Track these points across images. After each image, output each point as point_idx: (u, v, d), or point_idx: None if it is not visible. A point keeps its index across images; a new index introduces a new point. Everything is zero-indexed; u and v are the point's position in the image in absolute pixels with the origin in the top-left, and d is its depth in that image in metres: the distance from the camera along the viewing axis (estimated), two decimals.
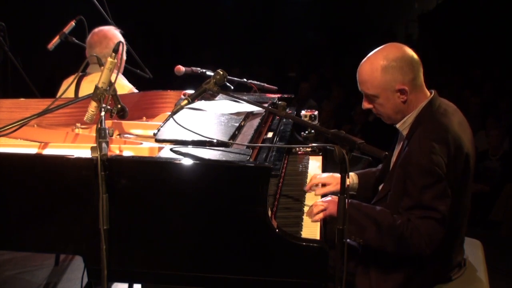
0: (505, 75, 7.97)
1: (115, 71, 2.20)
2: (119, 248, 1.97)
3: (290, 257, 1.94)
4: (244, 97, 2.47)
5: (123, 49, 2.92)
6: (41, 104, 2.53)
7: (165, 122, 2.38)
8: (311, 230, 2.17)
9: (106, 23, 3.56)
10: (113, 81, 2.15)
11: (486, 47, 9.24)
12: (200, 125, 2.33)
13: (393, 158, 2.42)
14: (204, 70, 3.14)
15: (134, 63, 3.68)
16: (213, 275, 1.98)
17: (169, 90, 3.21)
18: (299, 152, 3.07)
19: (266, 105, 2.69)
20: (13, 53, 4.03)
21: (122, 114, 2.29)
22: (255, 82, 3.40)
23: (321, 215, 2.24)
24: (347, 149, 1.86)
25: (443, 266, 2.34)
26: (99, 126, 1.94)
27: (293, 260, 1.94)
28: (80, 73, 3.21)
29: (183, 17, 10.37)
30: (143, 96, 3.12)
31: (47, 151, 2.33)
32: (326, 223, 2.32)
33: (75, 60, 2.98)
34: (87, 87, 3.21)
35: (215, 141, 2.18)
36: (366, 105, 2.35)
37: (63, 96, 2.53)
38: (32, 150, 2.34)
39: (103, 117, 2.01)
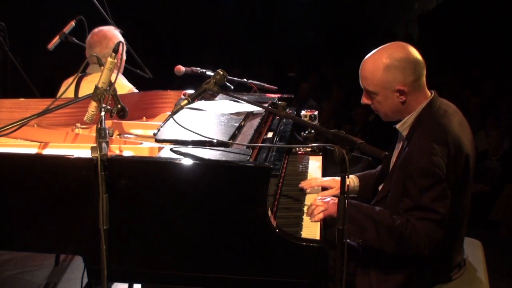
0: (505, 75, 7.97)
1: (115, 71, 2.20)
2: (119, 248, 1.97)
3: (290, 257, 1.94)
4: (244, 97, 2.47)
5: (123, 49, 2.91)
6: (41, 104, 2.53)
7: (165, 122, 2.38)
8: (311, 230, 2.17)
9: (106, 23, 3.56)
10: (113, 81, 2.15)
11: (486, 47, 9.24)
12: (200, 125, 2.33)
13: (393, 159, 2.42)
14: (204, 70, 3.14)
15: (134, 63, 3.68)
16: (213, 275, 1.98)
17: (169, 90, 3.21)
18: (299, 152, 3.07)
19: (266, 105, 2.69)
20: (13, 53, 4.04)
21: (122, 114, 2.29)
22: (255, 82, 3.40)
23: (321, 215, 2.24)
24: (347, 149, 1.86)
25: (443, 266, 2.34)
26: (99, 126, 1.94)
27: (293, 260, 1.94)
28: (80, 74, 3.21)
29: (183, 17, 10.37)
30: (143, 96, 3.12)
31: (47, 151, 2.33)
32: (326, 224, 2.31)
33: (75, 60, 2.98)
34: (87, 87, 3.21)
35: (215, 141, 2.18)
36: (365, 100, 2.36)
37: (63, 96, 2.53)
38: (32, 150, 2.34)
39: (103, 117, 2.01)
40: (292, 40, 11.16)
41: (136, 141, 2.42)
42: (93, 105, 2.15)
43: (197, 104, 2.68)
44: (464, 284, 2.36)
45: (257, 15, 11.83)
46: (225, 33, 10.76)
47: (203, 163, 1.99)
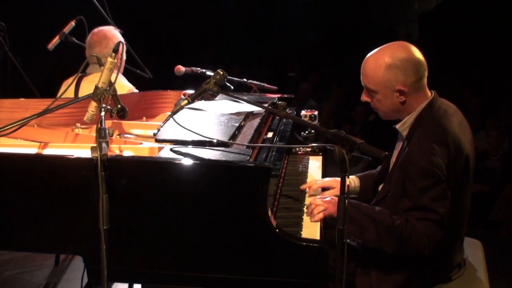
0: (505, 75, 7.97)
1: (115, 71, 2.20)
2: (119, 248, 1.97)
3: (290, 257, 1.94)
4: (244, 97, 2.47)
5: (123, 49, 2.91)
6: (41, 104, 2.53)
7: (165, 122, 2.38)
8: (311, 230, 2.17)
9: (106, 23, 3.56)
10: (113, 81, 2.15)
11: (486, 47, 9.24)
12: (200, 125, 2.33)
13: (393, 159, 2.42)
14: (204, 70, 3.14)
15: (134, 63, 3.68)
16: (213, 275, 1.98)
17: (169, 90, 3.21)
18: (299, 152, 3.07)
19: (266, 105, 2.69)
20: (13, 53, 4.04)
21: (122, 114, 2.29)
22: (255, 82, 3.40)
23: (321, 215, 2.24)
24: (347, 149, 1.86)
25: (443, 266, 2.34)
26: (99, 126, 1.94)
27: (293, 260, 1.94)
28: (80, 74, 3.21)
29: (183, 17, 10.37)
30: (143, 96, 3.12)
31: (47, 151, 2.33)
32: (326, 224, 2.31)
33: (75, 60, 2.98)
34: (87, 87, 3.21)
35: (215, 141, 2.18)
36: (364, 97, 2.36)
37: (63, 97, 2.53)
38: (32, 150, 2.34)
39: (103, 117, 2.01)
40: (292, 40, 11.17)
41: (136, 141, 2.42)
42: (93, 105, 2.15)
43: (197, 104, 2.68)
44: (464, 284, 2.36)
45: (257, 15, 11.83)
46: (225, 33, 10.76)
47: (203, 163, 1.99)
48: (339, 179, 1.88)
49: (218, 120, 2.46)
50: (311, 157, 3.03)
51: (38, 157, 2.18)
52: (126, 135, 2.65)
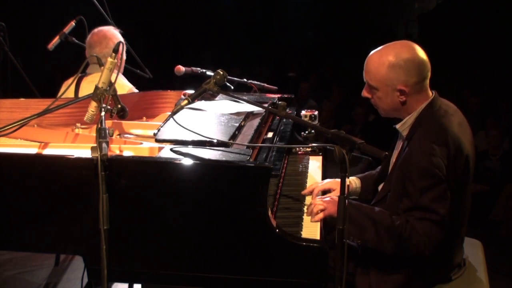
0: (505, 75, 7.98)
1: (115, 71, 2.20)
2: (119, 248, 1.97)
3: (290, 257, 1.94)
4: (244, 97, 2.47)
5: (123, 49, 2.91)
6: (41, 104, 2.53)
7: (165, 122, 2.38)
8: (311, 230, 2.17)
9: (106, 23, 3.56)
10: (113, 81, 2.15)
11: (486, 47, 9.24)
12: (200, 125, 2.33)
13: (393, 159, 2.41)
14: (204, 70, 3.14)
15: (134, 63, 3.68)
16: (213, 275, 1.98)
17: (169, 90, 3.21)
18: (299, 152, 3.07)
19: (266, 105, 2.69)
20: (13, 53, 4.03)
21: (122, 114, 2.29)
22: (255, 82, 3.40)
23: (321, 215, 2.23)
24: (347, 149, 1.86)
25: (443, 266, 2.34)
26: (99, 126, 1.94)
27: (293, 260, 1.94)
28: (80, 74, 3.21)
29: (183, 17, 10.38)
30: (143, 96, 3.12)
31: (47, 151, 2.33)
32: (326, 224, 2.31)
33: (75, 60, 2.98)
34: (87, 87, 3.21)
35: (215, 141, 2.18)
36: (365, 93, 2.36)
37: (63, 97, 2.53)
38: (32, 150, 2.34)
39: (103, 117, 2.01)
40: (292, 40, 11.17)
41: (136, 141, 2.42)
42: (93, 105, 2.15)
43: (197, 104, 2.68)
44: (464, 284, 2.36)
45: (257, 15, 11.84)
46: (225, 33, 10.76)
47: (203, 163, 1.99)
48: (339, 180, 1.88)
49: (218, 120, 2.46)
50: (311, 157, 3.03)
51: (38, 157, 2.18)
52: (126, 135, 2.65)
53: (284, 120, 3.00)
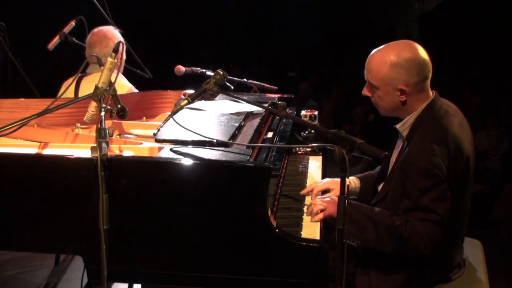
0: (505, 75, 7.98)
1: (115, 71, 2.20)
2: (119, 248, 1.97)
3: (290, 257, 1.94)
4: (244, 97, 2.47)
5: (123, 49, 2.91)
6: (41, 104, 2.53)
7: (165, 122, 2.38)
8: (311, 230, 2.17)
9: (106, 23, 3.56)
10: (113, 81, 2.15)
11: (486, 47, 9.24)
12: (200, 125, 2.33)
13: (393, 159, 2.41)
14: (204, 70, 3.14)
15: (134, 63, 3.68)
16: (213, 275, 1.98)
17: (169, 90, 3.21)
18: (299, 152, 3.07)
19: (266, 105, 2.69)
20: (13, 53, 4.03)
21: (122, 114, 2.29)
22: (255, 82, 3.40)
23: (320, 215, 2.23)
24: (347, 149, 1.86)
25: (443, 266, 2.34)
26: (99, 126, 1.94)
27: (293, 260, 1.94)
28: (80, 74, 3.21)
29: (183, 17, 10.38)
30: (143, 96, 3.12)
31: (47, 151, 2.33)
32: (326, 224, 2.31)
33: (75, 60, 2.98)
34: (87, 87, 3.21)
35: (215, 141, 2.18)
36: (366, 92, 2.36)
37: (63, 97, 2.53)
38: (32, 150, 2.34)
39: (103, 117, 2.01)
40: (292, 40, 11.17)
41: (136, 141, 2.42)
42: (93, 105, 2.15)
43: (197, 104, 2.68)
44: (464, 284, 2.36)
45: (257, 15, 11.84)
46: (225, 33, 10.77)
47: (203, 163, 1.99)
48: (338, 180, 1.88)
49: (218, 120, 2.46)
50: (311, 157, 3.03)
51: (38, 157, 2.18)
52: (126, 135, 2.65)
53: (284, 120, 3.00)
